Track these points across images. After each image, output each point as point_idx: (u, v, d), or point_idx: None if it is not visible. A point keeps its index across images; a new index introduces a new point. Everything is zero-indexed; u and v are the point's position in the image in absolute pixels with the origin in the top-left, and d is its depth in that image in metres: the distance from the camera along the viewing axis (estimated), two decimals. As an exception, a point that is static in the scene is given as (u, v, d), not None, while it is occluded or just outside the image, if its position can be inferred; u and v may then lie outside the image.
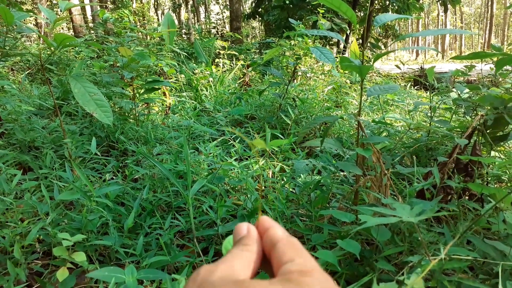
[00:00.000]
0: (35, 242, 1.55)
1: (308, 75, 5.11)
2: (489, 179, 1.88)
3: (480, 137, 1.61)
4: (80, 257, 1.16)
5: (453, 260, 0.91)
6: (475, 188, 1.08)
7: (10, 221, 1.51)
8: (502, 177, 2.04)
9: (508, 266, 1.05)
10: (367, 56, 6.12)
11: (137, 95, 2.89)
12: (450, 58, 1.33)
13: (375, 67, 9.05)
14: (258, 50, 9.74)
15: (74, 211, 1.60)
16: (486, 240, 1.07)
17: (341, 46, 9.65)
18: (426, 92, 5.64)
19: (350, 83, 5.61)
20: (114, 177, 2.13)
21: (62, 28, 18.66)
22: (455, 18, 50.58)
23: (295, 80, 4.62)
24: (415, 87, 6.46)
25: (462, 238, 1.21)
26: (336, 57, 7.75)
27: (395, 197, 1.48)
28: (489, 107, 1.60)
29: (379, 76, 8.07)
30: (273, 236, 0.32)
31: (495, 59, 1.59)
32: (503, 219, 1.28)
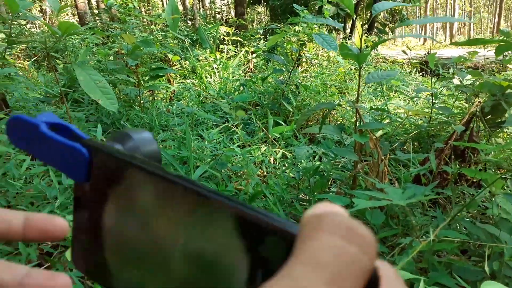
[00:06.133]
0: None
1: (312, 61, 5.10)
2: (487, 165, 1.90)
3: (479, 124, 1.63)
4: (87, 238, 1.22)
5: (443, 241, 0.95)
6: (468, 173, 1.12)
7: (20, 205, 1.57)
8: (502, 164, 2.06)
9: (499, 248, 1.08)
10: (371, 42, 6.08)
11: (142, 82, 2.93)
12: (449, 44, 1.34)
13: (381, 53, 8.96)
14: (263, 36, 9.67)
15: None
16: (478, 224, 1.11)
17: (348, 31, 9.56)
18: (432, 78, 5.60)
19: (355, 69, 5.59)
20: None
21: (67, 15, 18.61)
22: (464, 1, 49.59)
23: (299, 67, 4.62)
24: (421, 73, 6.42)
25: (455, 222, 1.25)
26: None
27: (392, 183, 1.52)
28: (488, 94, 1.62)
29: (385, 62, 8.00)
30: None
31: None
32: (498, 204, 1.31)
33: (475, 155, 1.43)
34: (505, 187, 1.12)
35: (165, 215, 0.19)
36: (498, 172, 2.10)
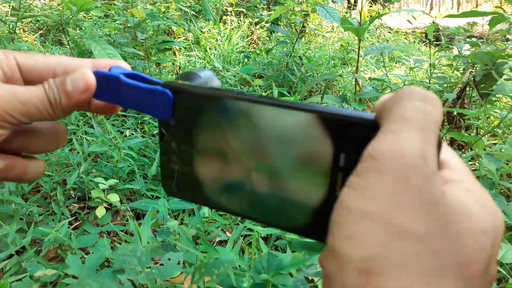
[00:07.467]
0: (71, 190, 1.77)
1: (316, 32, 5.12)
2: (481, 132, 2.02)
3: (471, 92, 1.74)
4: (114, 198, 1.37)
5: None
6: (455, 136, 1.24)
7: (47, 171, 1.72)
8: (497, 130, 2.18)
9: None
10: (376, 12, 6.04)
11: (149, 55, 3.02)
12: (444, 17, 1.43)
13: (385, 23, 8.87)
14: (266, 6, 9.54)
15: (102, 161, 1.80)
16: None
17: (352, 0, 9.41)
18: (436, 48, 5.61)
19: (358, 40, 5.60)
20: (133, 133, 2.32)
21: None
22: (474, -33, 47.84)
23: (303, 38, 4.65)
24: (425, 43, 6.41)
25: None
26: (346, 13, 7.60)
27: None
28: (481, 64, 1.71)
29: (389, 32, 7.94)
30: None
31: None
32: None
33: (464, 121, 1.55)
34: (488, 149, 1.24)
35: (252, 130, 0.21)
36: (492, 139, 2.23)
